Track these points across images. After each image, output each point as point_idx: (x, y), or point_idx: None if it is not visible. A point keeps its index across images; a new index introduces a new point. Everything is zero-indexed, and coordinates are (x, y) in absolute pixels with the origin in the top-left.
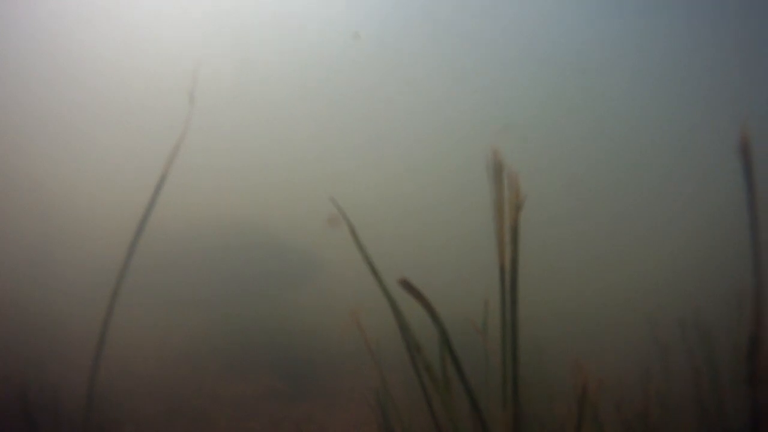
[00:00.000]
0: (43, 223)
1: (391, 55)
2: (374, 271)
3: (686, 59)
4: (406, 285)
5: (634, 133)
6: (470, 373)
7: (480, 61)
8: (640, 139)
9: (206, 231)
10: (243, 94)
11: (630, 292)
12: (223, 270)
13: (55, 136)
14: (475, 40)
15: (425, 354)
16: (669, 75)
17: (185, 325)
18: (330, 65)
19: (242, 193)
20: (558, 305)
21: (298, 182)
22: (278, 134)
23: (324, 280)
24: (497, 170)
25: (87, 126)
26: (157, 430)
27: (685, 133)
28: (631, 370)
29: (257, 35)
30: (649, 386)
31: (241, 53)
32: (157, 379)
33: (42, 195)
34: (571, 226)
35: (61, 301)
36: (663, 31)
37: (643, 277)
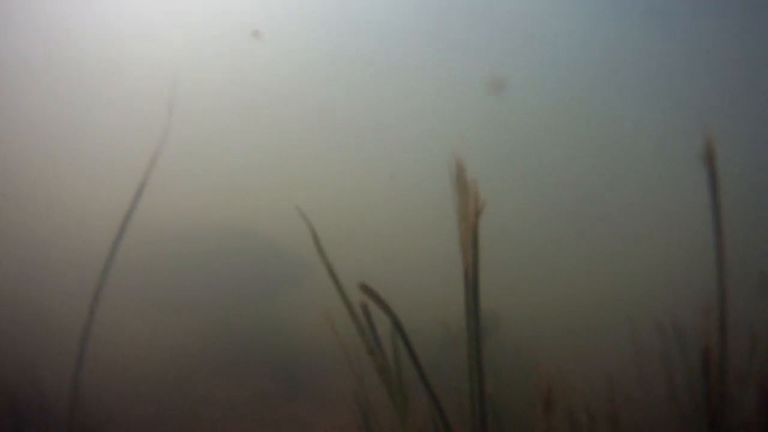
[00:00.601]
0: (25, 223)
1: (373, 63)
2: (333, 276)
3: (651, 64)
4: (366, 290)
5: (607, 138)
6: (446, 379)
7: (441, 67)
8: (613, 143)
9: (195, 234)
10: (225, 96)
11: (608, 296)
12: (212, 273)
13: (36, 138)
14: (436, 44)
15: (379, 358)
16: (634, 80)
17: (174, 328)
18: (315, 73)
19: (232, 196)
20: (537, 309)
21: (285, 186)
22: (264, 137)
23: (312, 283)
24: (459, 176)
25: (68, 127)
26: (144, 431)
27: (653, 136)
28: (606, 374)
29: (241, 42)
30: (623, 390)
31: (223, 57)
32: (146, 380)
33: (24, 197)
34: (548, 230)
35: (46, 300)
36: (627, 38)
37: (621, 280)
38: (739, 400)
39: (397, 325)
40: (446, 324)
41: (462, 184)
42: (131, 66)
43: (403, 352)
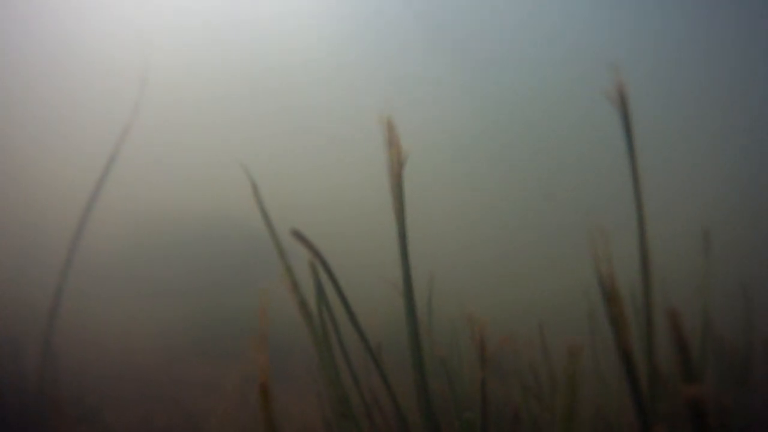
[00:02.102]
0: None
1: (326, 38)
2: (268, 224)
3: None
4: (298, 235)
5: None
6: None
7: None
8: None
9: (174, 219)
10: (198, 75)
11: (568, 264)
12: (197, 260)
13: (2, 115)
14: (377, 16)
15: (299, 293)
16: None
17: (159, 314)
18: (281, 49)
19: (216, 182)
20: (494, 273)
21: (267, 172)
22: (238, 116)
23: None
24: (389, 133)
25: (36, 104)
26: (120, 407)
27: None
28: (551, 329)
29: (212, 26)
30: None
31: (195, 42)
32: (124, 362)
33: None
34: (506, 201)
35: (14, 280)
36: None
37: (576, 246)
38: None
39: (327, 270)
40: (390, 278)
41: (390, 138)
42: (103, 42)
43: (331, 293)
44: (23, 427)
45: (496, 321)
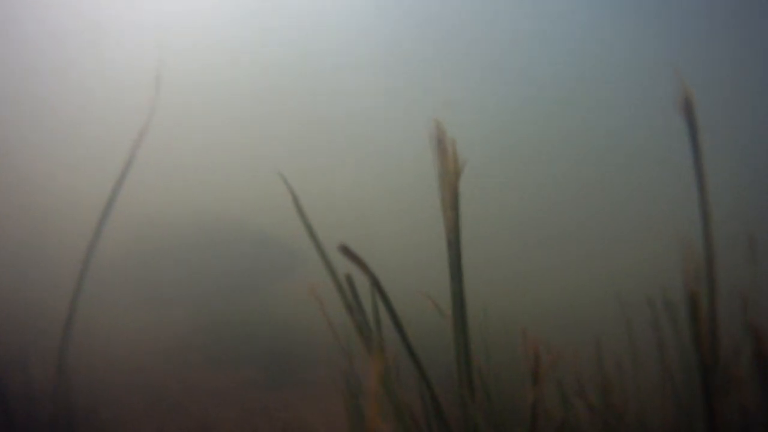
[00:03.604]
0: (5, 211)
1: (337, 37)
2: (313, 236)
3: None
4: (346, 251)
5: (591, 109)
6: (435, 351)
7: (421, 40)
8: (599, 116)
9: (186, 226)
10: (213, 78)
11: (598, 270)
12: (203, 265)
13: (16, 123)
14: (417, 17)
15: (358, 315)
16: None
17: (166, 319)
18: (295, 55)
19: (222, 188)
20: (528, 282)
21: (272, 175)
22: (252, 127)
23: (301, 273)
24: (440, 139)
25: (50, 110)
26: (134, 420)
27: (630, 95)
28: (596, 347)
29: (229, 26)
30: (613, 359)
31: (210, 43)
32: (136, 371)
33: (4, 184)
34: (539, 204)
35: (30, 289)
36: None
37: (611, 255)
38: (733, 361)
39: (377, 285)
40: (430, 295)
41: (442, 146)
42: (117, 52)
43: (384, 314)
44: None
45: (534, 327)
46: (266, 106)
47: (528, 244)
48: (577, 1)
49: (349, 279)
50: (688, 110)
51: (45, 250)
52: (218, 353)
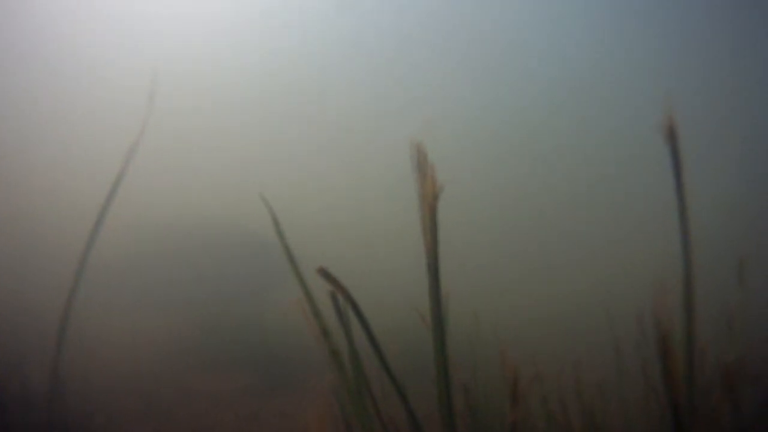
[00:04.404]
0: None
1: (325, 52)
2: (291, 259)
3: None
4: (324, 274)
5: (572, 126)
6: (417, 368)
7: (405, 53)
8: (580, 122)
9: (182, 230)
10: (207, 89)
11: (587, 287)
12: (199, 269)
13: (11, 129)
14: (395, 33)
15: (332, 340)
16: (590, 68)
17: (161, 324)
18: (292, 67)
19: (218, 191)
20: (515, 298)
21: (268, 181)
22: (246, 131)
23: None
24: (420, 161)
25: (46, 117)
26: (131, 424)
27: (612, 117)
28: (579, 362)
29: (222, 35)
30: (597, 380)
31: (204, 52)
32: (131, 376)
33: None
34: (525, 220)
35: (25, 293)
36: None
37: (600, 271)
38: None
39: (354, 308)
40: (416, 309)
41: (422, 168)
42: (113, 57)
43: (361, 336)
44: None
45: (518, 343)
46: (260, 112)
47: (516, 259)
48: (564, 21)
49: (334, 297)
50: (672, 136)
51: (40, 253)
52: (213, 358)
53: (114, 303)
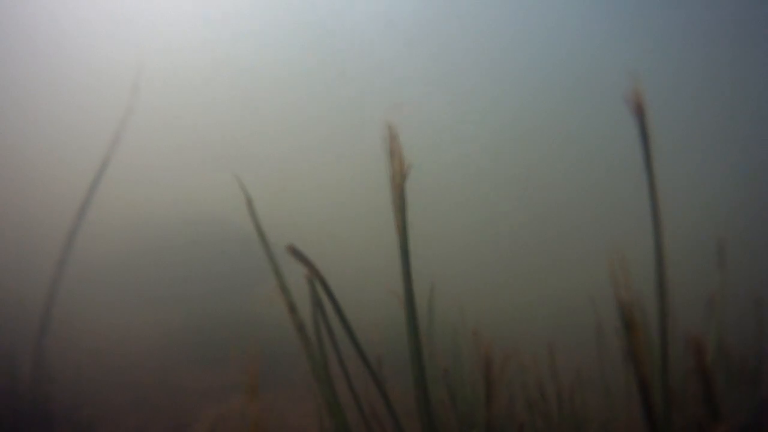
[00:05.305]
0: None
1: (320, 44)
2: (263, 238)
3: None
4: (294, 252)
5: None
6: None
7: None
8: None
9: (171, 225)
10: (192, 81)
11: (573, 275)
12: (189, 264)
13: None
14: (371, 20)
15: (299, 314)
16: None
17: (150, 319)
18: (273, 58)
19: (211, 187)
20: (499, 288)
21: (261, 177)
22: (231, 121)
23: (288, 274)
24: (390, 144)
25: (30, 109)
26: (117, 418)
27: (588, 101)
28: (561, 350)
29: (208, 29)
30: (577, 367)
31: (189, 45)
32: (120, 370)
33: None
34: (512, 211)
35: (7, 286)
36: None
37: (585, 260)
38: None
39: (324, 286)
40: (393, 291)
41: (392, 148)
42: (97, 49)
43: (330, 314)
44: None
45: (499, 330)
46: (241, 105)
47: (501, 250)
48: (545, 16)
49: (311, 282)
50: (640, 111)
51: (24, 248)
52: (202, 353)
53: (101, 298)
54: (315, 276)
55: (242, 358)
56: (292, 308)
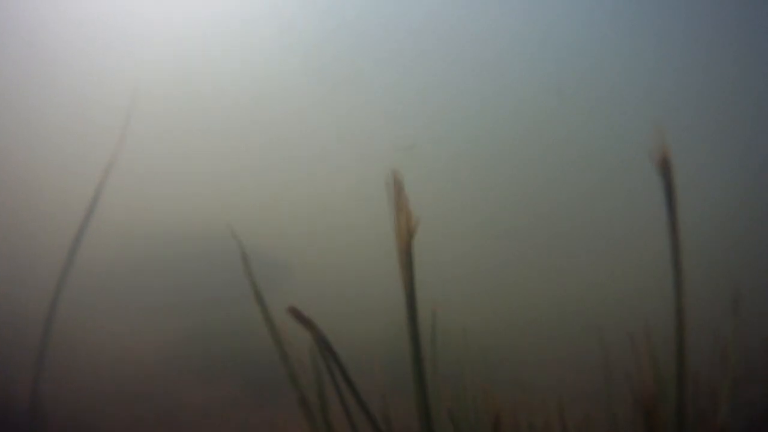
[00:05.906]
0: None
1: (319, 81)
2: (259, 299)
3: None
4: (295, 313)
5: (563, 145)
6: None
7: (384, 79)
8: (567, 147)
9: (171, 235)
10: (185, 101)
11: (578, 306)
12: (189, 275)
13: None
14: (377, 58)
15: (303, 389)
16: (583, 85)
17: (150, 330)
18: (269, 88)
19: (211, 199)
20: (504, 317)
21: (259, 186)
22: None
23: (289, 286)
24: (397, 195)
25: (28, 119)
26: (113, 430)
27: (603, 131)
28: (574, 385)
29: (202, 50)
30: (587, 404)
31: (189, 55)
32: (123, 384)
33: None
34: (517, 238)
35: (7, 298)
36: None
37: (592, 291)
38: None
39: (329, 350)
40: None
41: (398, 201)
42: (91, 75)
43: (332, 382)
44: None
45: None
46: (241, 128)
47: (510, 276)
48: (556, 39)
49: (316, 339)
50: (665, 167)
51: (25, 259)
52: (202, 366)
53: (100, 306)
54: (319, 341)
55: (243, 369)
56: (294, 379)
